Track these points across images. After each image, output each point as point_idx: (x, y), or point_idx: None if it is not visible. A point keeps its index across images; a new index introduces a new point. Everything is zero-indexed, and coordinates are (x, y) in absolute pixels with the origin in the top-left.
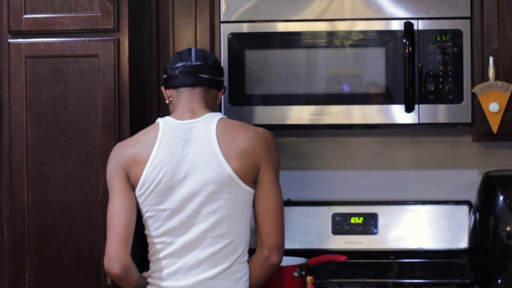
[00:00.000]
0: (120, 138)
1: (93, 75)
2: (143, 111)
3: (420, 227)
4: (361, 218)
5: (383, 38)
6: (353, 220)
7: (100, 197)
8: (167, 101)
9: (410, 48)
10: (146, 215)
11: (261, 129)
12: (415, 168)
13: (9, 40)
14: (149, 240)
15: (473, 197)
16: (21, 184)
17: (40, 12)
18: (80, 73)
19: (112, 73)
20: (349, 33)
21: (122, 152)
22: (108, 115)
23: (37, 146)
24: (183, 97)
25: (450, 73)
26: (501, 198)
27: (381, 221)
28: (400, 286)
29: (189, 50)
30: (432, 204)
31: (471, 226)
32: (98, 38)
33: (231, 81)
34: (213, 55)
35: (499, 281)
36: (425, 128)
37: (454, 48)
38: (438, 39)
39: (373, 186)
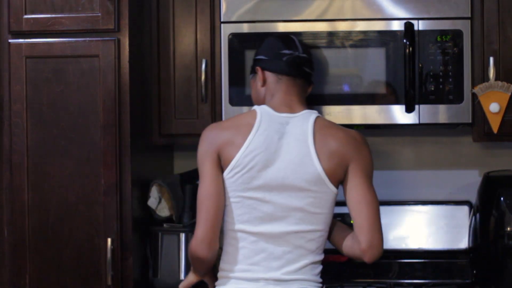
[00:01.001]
0: (121, 138)
1: (94, 75)
2: (144, 111)
3: (420, 227)
4: None
5: (384, 38)
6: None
7: (101, 197)
8: (259, 83)
9: (411, 48)
10: (228, 201)
11: (352, 131)
12: (415, 168)
13: (10, 40)
14: (226, 227)
15: (473, 198)
16: (22, 185)
17: (41, 12)
18: (80, 73)
19: (113, 73)
20: (349, 33)
21: (216, 134)
22: (109, 115)
23: (38, 146)
24: (283, 87)
25: (450, 73)
26: (502, 198)
27: (381, 221)
28: (400, 286)
29: (291, 38)
30: (432, 204)
31: (472, 227)
32: (99, 38)
33: (232, 82)
34: (308, 46)
35: (500, 281)
36: (425, 128)
37: (455, 48)
38: (439, 39)
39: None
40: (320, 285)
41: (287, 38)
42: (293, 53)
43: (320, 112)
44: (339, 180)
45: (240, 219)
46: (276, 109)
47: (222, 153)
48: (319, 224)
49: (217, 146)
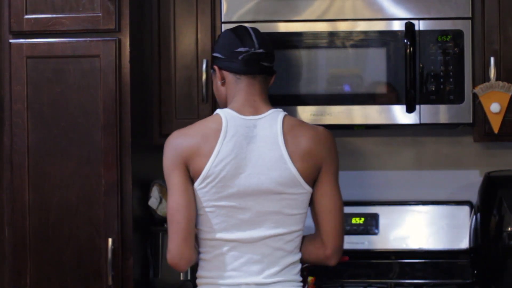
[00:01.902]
0: (121, 138)
1: (94, 76)
2: (144, 111)
3: (421, 228)
4: (362, 219)
5: (384, 38)
6: (354, 221)
7: (101, 197)
8: (219, 82)
9: (411, 49)
10: (202, 211)
11: (321, 129)
12: (416, 168)
13: (10, 41)
14: (202, 236)
15: (474, 198)
16: (22, 185)
17: (41, 13)
18: (81, 74)
19: (113, 74)
20: (350, 33)
21: (181, 142)
22: (109, 115)
23: (38, 147)
24: (244, 87)
25: (451, 73)
26: (502, 198)
27: (382, 221)
28: (401, 287)
29: (247, 32)
30: (433, 204)
31: (472, 227)
32: (99, 39)
33: None
34: (266, 37)
35: (500, 281)
36: (426, 128)
37: (455, 49)
38: (439, 39)
39: (374, 187)
40: (301, 284)
41: (242, 32)
42: (248, 50)
43: (320, 112)
44: (313, 179)
45: (217, 228)
46: (241, 111)
47: (190, 163)
48: (296, 225)
49: (185, 156)
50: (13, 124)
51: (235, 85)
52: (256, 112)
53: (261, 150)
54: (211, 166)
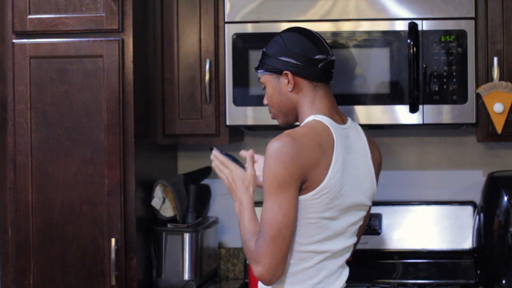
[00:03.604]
0: (125, 138)
1: (98, 76)
2: (148, 111)
3: (424, 228)
4: None
5: (388, 38)
6: None
7: (105, 197)
8: (290, 88)
9: (415, 49)
10: (305, 221)
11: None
12: (419, 168)
13: (14, 41)
14: (296, 248)
15: (477, 198)
16: (26, 185)
17: (45, 13)
18: (84, 74)
19: (117, 74)
20: (353, 33)
21: (301, 153)
22: (113, 115)
23: (42, 147)
24: (324, 94)
25: (454, 73)
26: (506, 198)
27: (385, 221)
28: (404, 287)
29: (319, 37)
30: (436, 204)
31: (476, 227)
32: (103, 39)
33: (236, 82)
34: None
35: (504, 281)
36: (429, 128)
37: (459, 49)
38: (443, 39)
39: (378, 186)
40: None
41: (315, 38)
42: (326, 58)
43: None
44: None
45: (313, 240)
46: (334, 119)
47: (309, 175)
48: (357, 235)
49: (306, 169)
50: (16, 124)
51: (313, 92)
52: (343, 121)
53: (356, 162)
54: (330, 178)
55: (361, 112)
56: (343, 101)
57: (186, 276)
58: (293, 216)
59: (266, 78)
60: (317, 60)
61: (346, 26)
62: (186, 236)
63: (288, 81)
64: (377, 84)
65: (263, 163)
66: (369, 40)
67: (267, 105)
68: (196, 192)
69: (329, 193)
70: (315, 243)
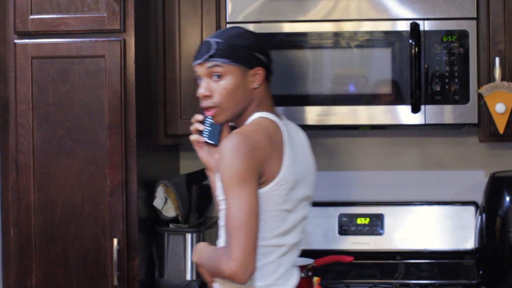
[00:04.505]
0: (127, 138)
1: (99, 76)
2: (150, 111)
3: (426, 228)
4: (368, 219)
5: (389, 38)
6: (360, 221)
7: (107, 197)
8: (257, 85)
9: (416, 49)
10: (266, 215)
11: None
12: (421, 168)
13: (16, 41)
14: (259, 243)
15: (479, 198)
16: (28, 185)
17: (46, 13)
18: (86, 74)
19: (118, 74)
20: (355, 33)
21: (258, 149)
22: (114, 115)
23: (43, 147)
24: (269, 92)
25: (456, 73)
26: (508, 198)
27: (387, 221)
28: (406, 287)
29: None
30: (438, 205)
31: (478, 227)
32: (104, 39)
33: None
34: None
35: (506, 281)
36: (431, 128)
37: (460, 49)
38: (444, 39)
39: (380, 187)
40: None
41: (266, 43)
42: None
43: (325, 112)
44: None
45: (274, 233)
46: (278, 116)
47: (266, 168)
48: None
49: (262, 161)
50: (18, 125)
51: (265, 92)
52: (280, 118)
53: (300, 155)
54: (285, 169)
55: (363, 112)
56: (345, 101)
57: (188, 277)
58: (256, 207)
59: (231, 69)
60: (272, 62)
61: (347, 27)
62: (188, 237)
63: (257, 79)
64: (379, 84)
65: (220, 164)
66: (371, 40)
67: (206, 96)
68: (198, 192)
69: (286, 185)
70: (276, 237)
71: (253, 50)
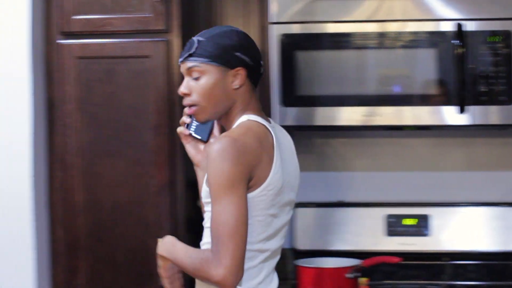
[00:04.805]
0: (172, 138)
1: (145, 76)
2: None
3: (473, 229)
4: (416, 220)
5: (434, 39)
6: (406, 222)
7: (152, 198)
8: (237, 85)
9: (461, 49)
10: (253, 220)
11: None
12: (467, 169)
13: (60, 41)
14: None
15: None
16: (74, 185)
17: (91, 13)
18: (131, 74)
19: (163, 74)
20: (399, 34)
21: (247, 153)
22: (160, 116)
23: (90, 147)
24: (255, 96)
25: (501, 74)
26: None
27: (433, 222)
28: None
29: (253, 41)
30: (485, 205)
31: None
32: (149, 39)
33: (283, 82)
34: None
35: None
36: (477, 129)
37: (505, 49)
38: (489, 40)
39: (425, 188)
40: None
41: (255, 44)
42: (263, 66)
43: (370, 113)
44: None
45: (259, 238)
46: (266, 120)
47: (255, 172)
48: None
49: (251, 166)
50: (64, 125)
51: (250, 94)
52: (268, 121)
53: (287, 159)
54: (274, 173)
55: (408, 113)
56: (390, 102)
57: None
58: (246, 213)
59: (210, 68)
60: (261, 65)
61: (392, 27)
62: None
63: (237, 79)
64: (424, 84)
65: (208, 167)
66: (415, 41)
67: (185, 94)
68: None
69: (273, 189)
70: (260, 242)
71: (235, 50)
